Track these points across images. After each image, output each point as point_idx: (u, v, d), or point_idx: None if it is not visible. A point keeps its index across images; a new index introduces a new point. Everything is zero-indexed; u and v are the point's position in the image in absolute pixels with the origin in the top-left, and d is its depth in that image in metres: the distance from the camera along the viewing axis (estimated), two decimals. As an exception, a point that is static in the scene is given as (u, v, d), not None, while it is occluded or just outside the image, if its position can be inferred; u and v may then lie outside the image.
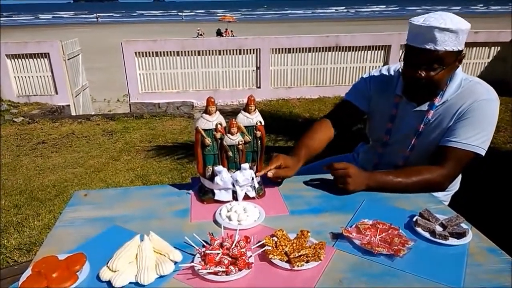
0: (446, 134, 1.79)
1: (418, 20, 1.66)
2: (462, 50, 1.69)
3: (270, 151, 5.46)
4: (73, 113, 8.97)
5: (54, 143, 6.37)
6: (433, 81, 1.69)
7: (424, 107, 1.86)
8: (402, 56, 1.79)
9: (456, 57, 1.69)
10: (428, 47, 1.62)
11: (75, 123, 7.50)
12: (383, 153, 2.09)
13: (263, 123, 1.64)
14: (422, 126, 1.87)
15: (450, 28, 1.57)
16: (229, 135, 1.60)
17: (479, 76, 7.67)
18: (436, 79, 1.69)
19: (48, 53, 8.61)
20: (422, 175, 1.73)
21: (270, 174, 1.71)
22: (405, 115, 1.93)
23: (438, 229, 1.40)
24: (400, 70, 1.86)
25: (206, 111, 1.59)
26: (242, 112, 1.63)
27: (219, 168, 1.64)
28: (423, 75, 1.68)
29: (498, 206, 3.75)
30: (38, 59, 8.69)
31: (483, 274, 1.21)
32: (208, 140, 1.59)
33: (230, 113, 7.76)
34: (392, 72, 2.02)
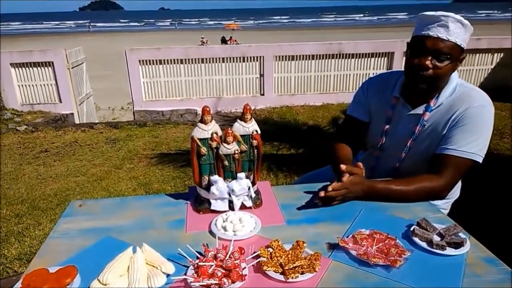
0: (443, 142, 1.78)
1: (431, 12, 1.71)
2: (464, 50, 1.72)
3: (273, 158, 5.47)
4: (77, 122, 8.99)
5: (57, 151, 6.37)
6: (438, 73, 1.70)
7: (420, 110, 1.87)
8: (407, 51, 1.81)
9: (460, 55, 1.72)
10: (441, 36, 1.66)
11: (79, 131, 7.52)
12: (380, 156, 2.09)
13: (259, 132, 1.62)
14: (418, 128, 1.88)
15: (462, 21, 1.66)
16: (224, 144, 1.58)
17: (482, 83, 7.63)
18: (441, 73, 1.70)
19: (52, 62, 8.64)
20: (421, 183, 1.72)
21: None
22: (401, 117, 1.94)
23: (436, 238, 1.38)
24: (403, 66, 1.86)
25: (202, 120, 1.58)
26: (238, 121, 1.62)
27: (215, 177, 1.63)
28: (430, 65, 1.69)
29: (501, 214, 3.70)
30: (42, 68, 8.72)
31: (481, 285, 1.19)
32: (203, 150, 1.58)
33: (233, 121, 7.72)
34: (391, 74, 2.05)
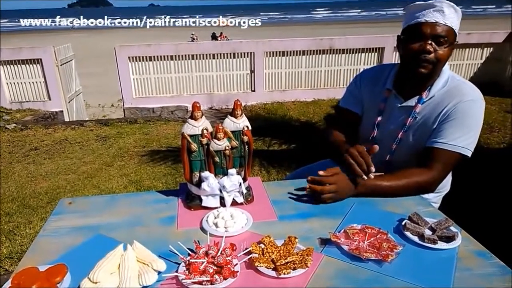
0: (433, 135, 1.79)
1: (421, 1, 1.74)
2: (456, 36, 1.75)
3: (264, 154, 5.46)
4: (67, 119, 8.90)
5: (47, 149, 6.32)
6: (438, 58, 1.72)
7: (412, 102, 1.88)
8: (402, 41, 1.83)
9: (454, 40, 1.74)
10: (438, 20, 1.68)
11: (68, 129, 7.46)
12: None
13: (250, 128, 1.61)
14: (409, 120, 1.88)
15: (454, 6, 1.70)
16: (215, 140, 1.57)
17: (472, 77, 7.66)
18: (441, 56, 1.72)
19: (41, 59, 8.53)
20: (411, 178, 1.72)
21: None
22: (393, 109, 1.95)
23: (427, 233, 1.38)
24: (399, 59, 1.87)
25: (192, 116, 1.57)
26: (229, 117, 1.61)
27: (205, 174, 1.62)
28: (431, 49, 1.70)
29: (492, 207, 3.73)
30: (31, 65, 8.62)
31: (472, 278, 1.19)
32: (194, 146, 1.57)
33: (224, 117, 7.72)
34: (383, 67, 2.07)
